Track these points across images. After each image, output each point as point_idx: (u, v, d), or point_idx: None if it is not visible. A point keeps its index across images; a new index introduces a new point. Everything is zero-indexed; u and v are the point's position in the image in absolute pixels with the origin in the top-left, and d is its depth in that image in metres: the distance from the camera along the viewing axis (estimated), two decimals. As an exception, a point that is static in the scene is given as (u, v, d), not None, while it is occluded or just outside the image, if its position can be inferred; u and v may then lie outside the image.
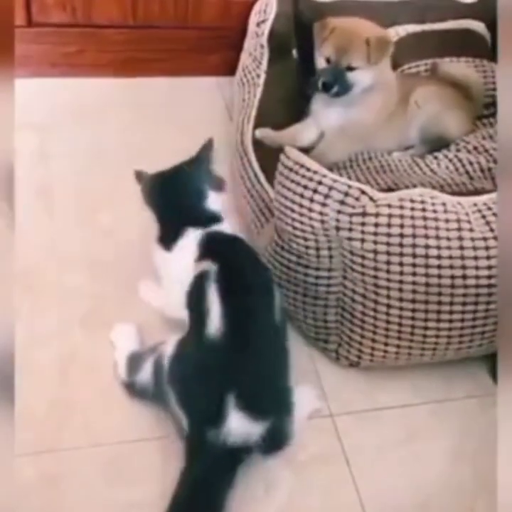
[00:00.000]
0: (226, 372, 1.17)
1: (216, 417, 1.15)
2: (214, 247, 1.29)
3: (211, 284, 1.22)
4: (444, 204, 1.23)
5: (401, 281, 1.22)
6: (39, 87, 1.80)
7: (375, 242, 1.21)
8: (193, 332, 1.23)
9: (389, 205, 1.21)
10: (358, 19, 1.67)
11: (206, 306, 1.20)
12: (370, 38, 1.57)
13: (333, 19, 1.63)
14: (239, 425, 1.15)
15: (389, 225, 1.20)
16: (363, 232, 1.21)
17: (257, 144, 1.63)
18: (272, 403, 1.19)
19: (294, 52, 1.89)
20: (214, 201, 1.35)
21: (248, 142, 1.64)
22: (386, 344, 1.31)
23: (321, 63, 1.63)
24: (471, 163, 1.62)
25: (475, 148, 1.67)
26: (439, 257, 1.19)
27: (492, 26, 1.99)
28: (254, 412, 1.16)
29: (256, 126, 1.67)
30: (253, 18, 1.91)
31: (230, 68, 1.98)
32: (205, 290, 1.22)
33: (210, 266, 1.25)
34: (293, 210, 1.25)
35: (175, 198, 1.34)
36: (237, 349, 1.18)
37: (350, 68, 1.59)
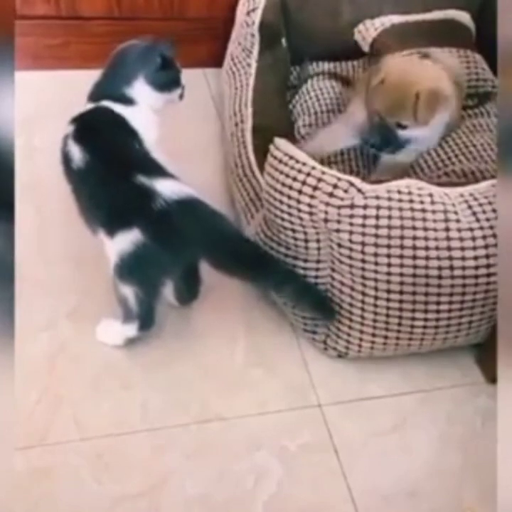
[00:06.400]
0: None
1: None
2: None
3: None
4: (431, 195, 1.24)
5: (389, 273, 1.23)
6: (24, 80, 1.78)
7: (363, 234, 1.21)
8: None
9: (377, 197, 1.21)
10: (415, 62, 1.53)
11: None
12: (420, 92, 1.41)
13: (387, 64, 1.48)
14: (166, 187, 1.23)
15: (377, 217, 1.20)
16: (351, 224, 1.21)
17: (256, 131, 1.62)
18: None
19: (283, 41, 1.89)
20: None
21: (247, 129, 1.63)
22: (374, 335, 1.32)
23: (371, 118, 1.50)
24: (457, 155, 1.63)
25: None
26: (426, 248, 1.20)
27: (477, 17, 2.00)
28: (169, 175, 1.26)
29: (254, 113, 1.67)
30: (241, 8, 1.90)
31: (217, 60, 1.98)
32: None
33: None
34: (282, 202, 1.25)
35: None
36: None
37: (401, 126, 1.46)
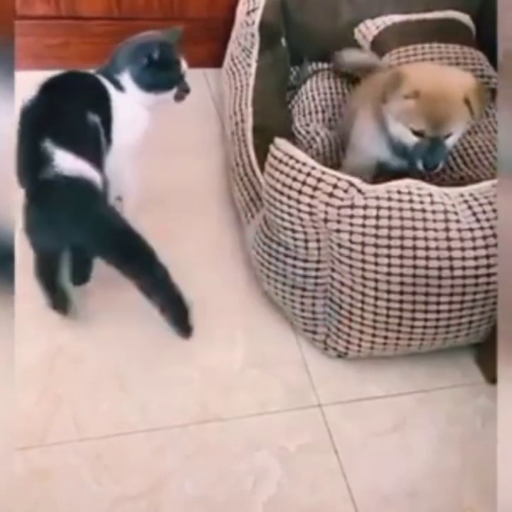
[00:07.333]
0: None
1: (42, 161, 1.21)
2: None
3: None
4: (430, 195, 1.24)
5: (389, 273, 1.22)
6: (23, 79, 1.78)
7: (363, 234, 1.21)
8: None
9: (377, 197, 1.21)
10: (438, 70, 1.47)
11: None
12: (467, 95, 1.36)
13: (408, 73, 1.38)
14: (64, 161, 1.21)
15: (377, 217, 1.20)
16: (351, 224, 1.21)
17: (256, 131, 1.62)
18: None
19: (283, 41, 1.89)
20: None
21: (248, 128, 1.64)
22: (374, 335, 1.32)
23: (405, 134, 1.39)
24: (454, 158, 1.63)
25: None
26: (426, 249, 1.20)
27: (476, 18, 2.01)
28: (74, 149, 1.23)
29: (254, 113, 1.67)
30: (241, 8, 1.91)
31: (217, 60, 1.99)
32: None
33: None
34: (281, 202, 1.25)
35: None
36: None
37: (448, 135, 1.39)
